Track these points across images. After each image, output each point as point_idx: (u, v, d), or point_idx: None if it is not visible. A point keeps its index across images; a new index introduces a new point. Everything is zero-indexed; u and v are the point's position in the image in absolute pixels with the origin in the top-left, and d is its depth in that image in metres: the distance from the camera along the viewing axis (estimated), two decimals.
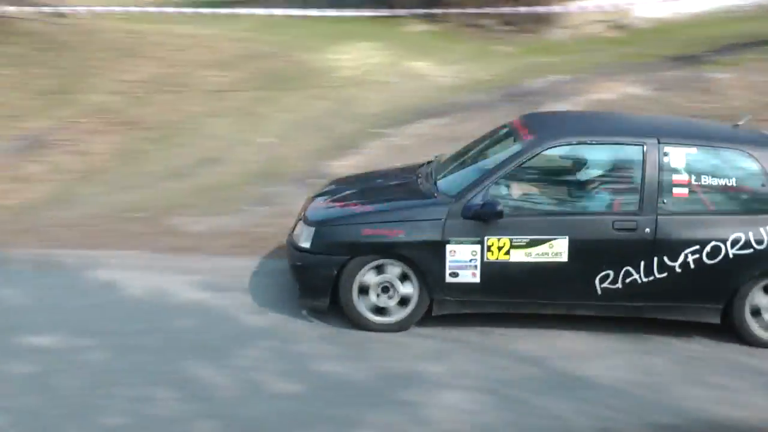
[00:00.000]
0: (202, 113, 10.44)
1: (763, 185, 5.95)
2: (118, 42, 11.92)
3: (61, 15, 12.17)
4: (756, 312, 5.98)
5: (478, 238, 5.84)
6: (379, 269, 5.98)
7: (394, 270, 5.97)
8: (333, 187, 7.14)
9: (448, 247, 5.86)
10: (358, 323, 6.02)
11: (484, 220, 5.81)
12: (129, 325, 5.90)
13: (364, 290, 5.97)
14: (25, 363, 5.31)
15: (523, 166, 6.00)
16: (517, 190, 6.05)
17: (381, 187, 7.06)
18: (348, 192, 6.89)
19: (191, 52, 11.92)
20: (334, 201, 6.71)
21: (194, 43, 12.18)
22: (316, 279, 6.06)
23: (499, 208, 5.77)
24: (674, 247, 5.84)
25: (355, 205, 6.50)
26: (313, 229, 6.12)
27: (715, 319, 6.03)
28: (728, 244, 5.81)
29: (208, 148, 9.67)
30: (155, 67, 11.35)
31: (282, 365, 5.42)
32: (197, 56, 11.80)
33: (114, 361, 5.40)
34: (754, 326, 6.01)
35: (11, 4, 12.09)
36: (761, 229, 5.83)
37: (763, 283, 5.95)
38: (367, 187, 7.07)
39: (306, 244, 6.08)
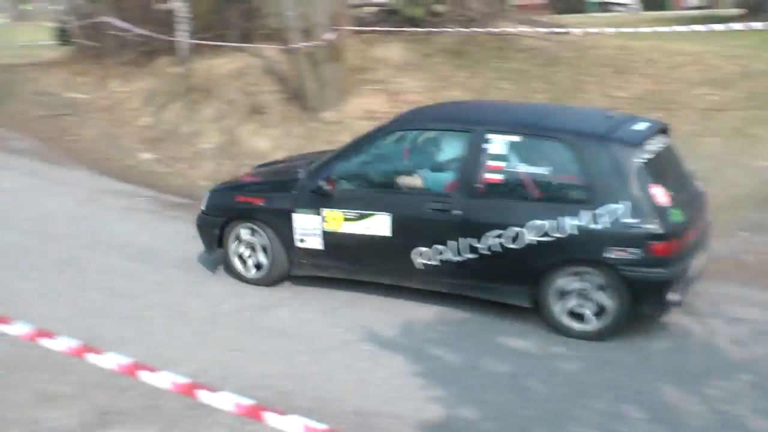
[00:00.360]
0: (693, 132, 10.06)
1: (573, 176, 5.95)
2: (610, 59, 12.01)
3: (563, 32, 12.60)
4: (562, 299, 5.97)
5: (317, 210, 6.70)
6: (254, 232, 7.06)
7: (260, 238, 7.03)
8: (272, 161, 8.61)
9: (295, 216, 6.81)
10: (233, 273, 7.25)
11: (319, 194, 6.67)
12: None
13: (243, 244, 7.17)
14: (502, 362, 5.58)
15: (364, 148, 6.81)
16: (355, 169, 6.80)
17: (286, 165, 7.99)
18: (266, 167, 8.29)
19: (684, 69, 11.56)
20: (248, 173, 8.18)
21: (687, 61, 11.80)
22: (207, 235, 7.37)
23: (320, 183, 6.69)
24: (480, 230, 6.09)
25: (249, 177, 7.88)
26: (208, 194, 7.46)
27: (525, 303, 6.17)
28: (529, 230, 5.91)
29: (698, 168, 9.29)
30: (646, 84, 11.21)
31: (762, 403, 5.00)
32: (690, 74, 11.42)
33: (587, 372, 5.44)
34: (557, 313, 6.01)
35: (516, 25, 12.88)
36: (563, 219, 5.83)
37: (565, 271, 5.92)
38: (280, 164, 8.25)
39: (203, 207, 7.40)
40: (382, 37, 12.88)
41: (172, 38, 15.31)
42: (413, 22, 12.94)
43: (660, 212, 5.75)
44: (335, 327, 6.19)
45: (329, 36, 11.42)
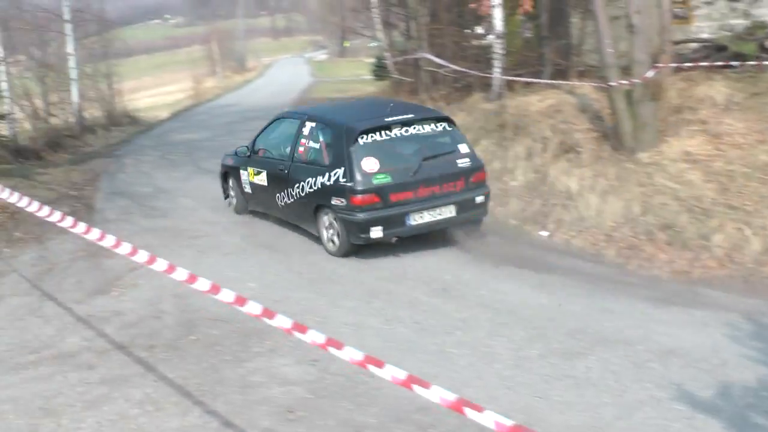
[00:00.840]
0: None
1: (328, 149, 9.64)
2: None
3: None
4: (323, 228, 9.70)
5: (246, 168, 11.12)
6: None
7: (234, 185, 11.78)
8: None
9: (241, 171, 11.30)
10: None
11: (246, 157, 11.17)
12: None
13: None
14: None
15: (264, 130, 11.30)
16: (259, 143, 11.13)
17: None
18: None
19: None
20: None
21: None
22: (221, 185, 12.22)
23: (237, 150, 11.38)
24: (293, 184, 10.00)
25: (239, 147, 11.57)
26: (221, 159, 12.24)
27: (314, 231, 9.95)
28: (306, 184, 9.74)
29: None
30: None
31: None
32: None
33: None
34: (324, 240, 9.73)
35: None
36: (317, 177, 9.55)
37: (322, 212, 9.59)
38: None
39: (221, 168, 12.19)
40: (705, 75, 12.38)
41: (485, 74, 15.77)
42: (742, 58, 12.32)
43: (363, 176, 9.14)
44: (645, 381, 6.00)
45: (649, 73, 11.17)
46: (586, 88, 13.21)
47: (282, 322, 4.59)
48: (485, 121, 14.05)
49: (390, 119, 9.56)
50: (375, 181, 9.13)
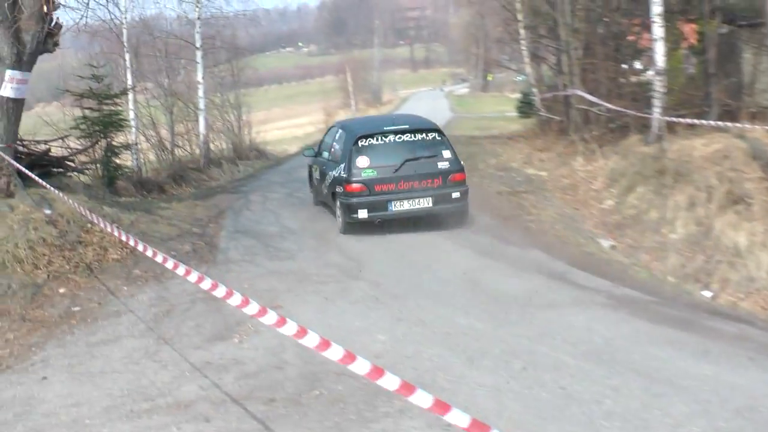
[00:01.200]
0: None
1: (341, 148, 13.75)
2: None
3: None
4: (337, 209, 13.73)
5: (313, 165, 15.79)
6: None
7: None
8: None
9: (311, 168, 16.10)
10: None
11: (313, 158, 15.90)
12: None
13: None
14: None
15: (325, 135, 15.95)
16: (319, 146, 15.87)
17: None
18: None
19: None
20: None
21: None
22: (308, 180, 17.02)
23: (306, 154, 16.59)
24: (326, 176, 14.15)
25: (306, 149, 17.67)
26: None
27: (335, 211, 14.06)
28: (329, 175, 13.92)
29: None
30: None
31: None
32: None
33: None
34: (338, 217, 13.61)
35: None
36: (333, 171, 13.70)
37: (336, 196, 13.51)
38: None
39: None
40: None
41: (643, 114, 15.45)
42: None
43: (356, 170, 12.92)
44: None
45: None
46: (759, 131, 12.78)
47: (422, 399, 4.49)
48: (642, 165, 13.77)
49: (386, 128, 13.34)
50: (363, 174, 12.94)
